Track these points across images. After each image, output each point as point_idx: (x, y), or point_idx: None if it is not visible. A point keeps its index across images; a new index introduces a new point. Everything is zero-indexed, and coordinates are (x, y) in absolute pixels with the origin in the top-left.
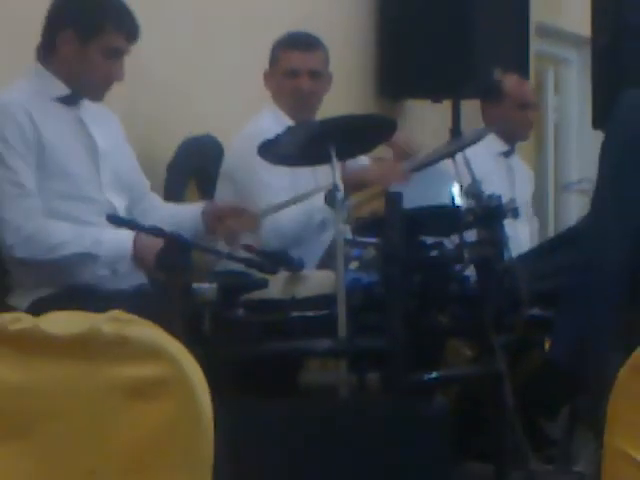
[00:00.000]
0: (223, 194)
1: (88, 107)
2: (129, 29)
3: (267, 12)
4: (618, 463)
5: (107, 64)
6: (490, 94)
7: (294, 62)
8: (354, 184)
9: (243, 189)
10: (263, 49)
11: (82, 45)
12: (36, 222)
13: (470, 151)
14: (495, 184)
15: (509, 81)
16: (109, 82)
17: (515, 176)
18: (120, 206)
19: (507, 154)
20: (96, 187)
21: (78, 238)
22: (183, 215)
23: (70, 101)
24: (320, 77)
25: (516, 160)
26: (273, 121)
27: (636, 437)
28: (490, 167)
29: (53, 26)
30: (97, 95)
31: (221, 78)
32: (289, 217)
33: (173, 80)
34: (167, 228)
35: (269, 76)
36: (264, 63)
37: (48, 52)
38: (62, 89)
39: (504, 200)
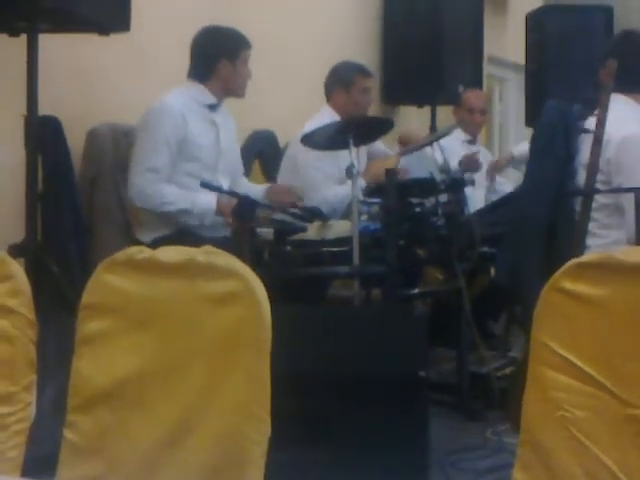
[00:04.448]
0: (285, 171)
1: (221, 113)
2: (249, 44)
3: (307, 37)
4: (541, 350)
5: (245, 71)
6: (457, 102)
7: (367, 83)
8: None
9: (300, 169)
10: (303, 68)
11: (232, 65)
12: (156, 187)
13: (443, 141)
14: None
15: (467, 95)
16: (247, 82)
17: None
18: (225, 185)
19: (470, 142)
20: (213, 171)
21: (181, 199)
22: (256, 191)
23: (213, 107)
24: None
25: (477, 146)
26: (330, 119)
27: (554, 333)
28: (456, 151)
29: (210, 58)
30: (243, 93)
31: (277, 91)
32: (336, 194)
33: (247, 90)
34: None
35: (342, 92)
36: (308, 80)
37: (206, 74)
38: (210, 98)
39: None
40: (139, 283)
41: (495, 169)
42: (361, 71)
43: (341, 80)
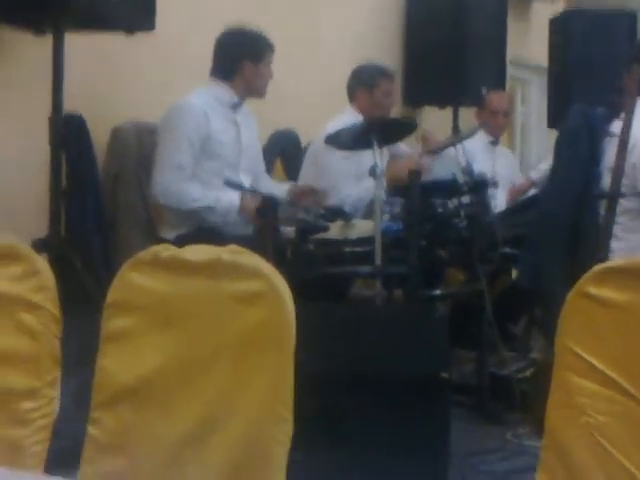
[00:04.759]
0: (307, 170)
1: (243, 112)
2: (272, 47)
3: (329, 37)
4: (566, 355)
5: (268, 72)
6: (480, 104)
7: (390, 86)
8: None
9: (322, 168)
10: (325, 68)
11: (255, 66)
12: (180, 185)
13: (466, 142)
14: (483, 165)
15: (490, 97)
16: (268, 82)
17: (497, 159)
18: (247, 182)
19: (493, 143)
20: (235, 169)
21: (204, 197)
22: (279, 190)
23: (235, 106)
24: None
25: (500, 148)
26: (352, 120)
27: (579, 338)
28: (480, 153)
29: (234, 59)
30: (264, 93)
31: (299, 91)
32: (357, 194)
33: (269, 90)
34: None
35: (365, 94)
36: (329, 80)
37: (229, 74)
38: (232, 98)
39: (488, 176)
40: (164, 281)
41: (516, 194)
42: (385, 74)
43: (364, 82)
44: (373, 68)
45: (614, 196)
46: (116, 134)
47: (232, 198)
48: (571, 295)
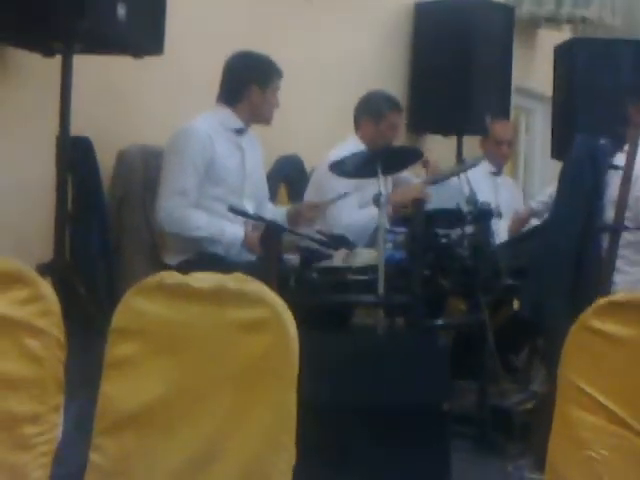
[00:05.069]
0: (310, 196)
1: (248, 137)
2: (281, 73)
3: (335, 64)
4: (569, 389)
5: (274, 99)
6: (484, 133)
7: (397, 120)
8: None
9: (324, 195)
10: (330, 94)
11: (262, 92)
12: (184, 212)
13: (470, 171)
14: (486, 194)
15: (494, 126)
16: (274, 110)
17: (500, 189)
18: (251, 209)
19: (496, 174)
20: (239, 195)
21: (209, 226)
22: (279, 213)
23: (240, 132)
24: None
25: (503, 178)
26: (355, 148)
27: (582, 372)
28: (482, 183)
29: (241, 83)
30: (270, 120)
31: (304, 116)
32: (359, 221)
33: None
34: None
35: (370, 123)
36: (334, 107)
37: (236, 98)
38: (237, 123)
39: (492, 206)
40: (169, 308)
41: (518, 224)
42: (393, 107)
43: (371, 112)
44: (382, 99)
45: (617, 229)
46: (122, 157)
47: (237, 232)
48: (574, 328)
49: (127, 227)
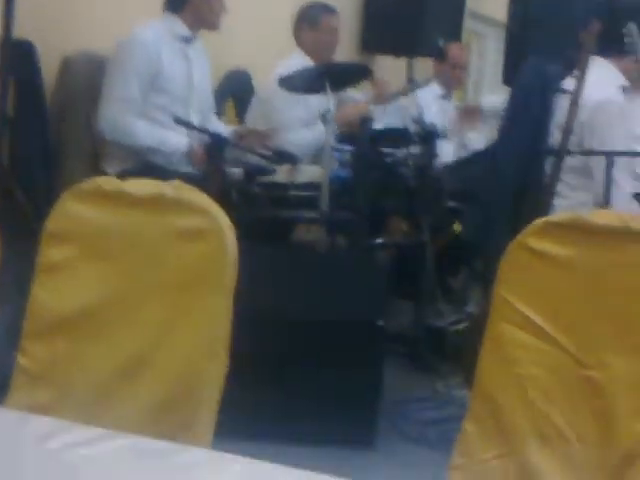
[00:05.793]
0: (255, 113)
1: (196, 48)
2: None
3: None
4: (502, 306)
5: (219, 3)
6: (437, 55)
7: (333, 23)
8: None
9: (269, 112)
10: (279, 7)
11: None
12: (126, 120)
13: (419, 93)
14: (433, 116)
15: (452, 48)
16: (221, 14)
17: (448, 112)
18: (196, 120)
19: (444, 97)
20: (185, 105)
21: (151, 135)
22: (225, 132)
23: (188, 40)
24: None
25: (451, 102)
26: (300, 63)
27: (516, 290)
28: (431, 105)
29: None
30: (217, 25)
31: (254, 29)
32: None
33: (222, 30)
34: None
35: (308, 32)
36: (281, 19)
37: (180, 4)
38: (185, 31)
39: (439, 127)
40: (105, 214)
41: (465, 120)
42: (327, 11)
43: (308, 19)
44: (316, 6)
45: (561, 153)
46: (66, 63)
47: (179, 142)
48: (511, 247)
49: (68, 135)
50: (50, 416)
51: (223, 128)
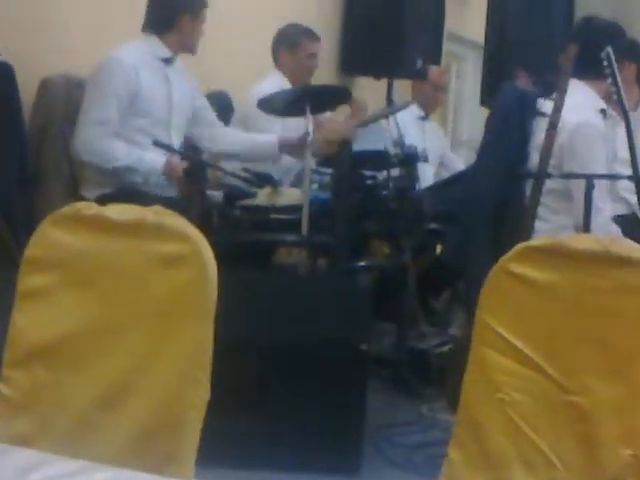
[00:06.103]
0: None
1: (175, 68)
2: (207, 3)
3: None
4: (485, 332)
5: (201, 29)
6: (417, 77)
7: (313, 47)
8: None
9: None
10: (259, 29)
11: (193, 21)
12: (103, 142)
13: (398, 115)
14: (413, 138)
15: (433, 70)
16: (199, 40)
17: (426, 134)
18: (177, 142)
19: (423, 118)
20: (166, 127)
21: (128, 156)
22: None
23: (168, 61)
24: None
25: (430, 123)
26: (278, 85)
27: (498, 315)
28: (410, 127)
29: (173, 11)
30: (195, 50)
31: (234, 51)
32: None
33: (202, 52)
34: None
35: (287, 54)
36: (261, 40)
37: (166, 27)
38: (165, 52)
39: (419, 149)
40: (85, 239)
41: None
42: (307, 34)
43: (287, 42)
44: (296, 29)
45: (540, 176)
46: (44, 86)
47: (155, 160)
48: (493, 272)
49: (47, 159)
50: (31, 447)
51: (236, 137)
